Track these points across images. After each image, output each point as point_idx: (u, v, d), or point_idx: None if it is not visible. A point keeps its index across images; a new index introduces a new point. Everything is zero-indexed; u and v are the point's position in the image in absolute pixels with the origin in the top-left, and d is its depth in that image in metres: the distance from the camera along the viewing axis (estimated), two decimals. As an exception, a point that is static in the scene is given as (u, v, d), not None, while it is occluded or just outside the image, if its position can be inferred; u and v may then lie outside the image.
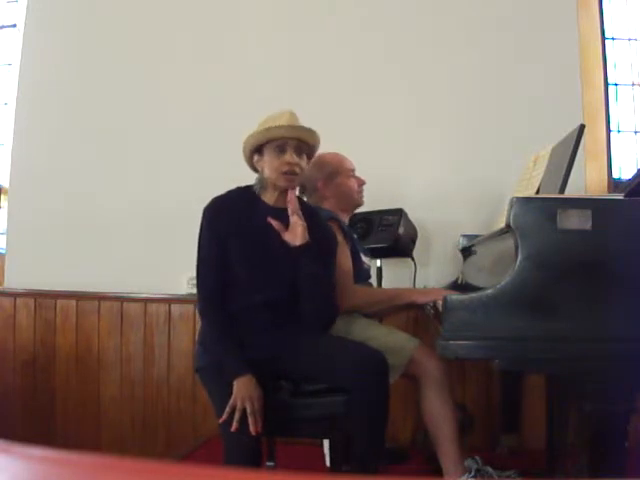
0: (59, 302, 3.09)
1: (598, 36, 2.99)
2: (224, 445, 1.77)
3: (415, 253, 2.72)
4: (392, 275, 2.78)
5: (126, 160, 3.13)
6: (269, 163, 1.87)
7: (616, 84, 3.03)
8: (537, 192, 1.93)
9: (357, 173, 2.34)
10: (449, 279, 2.69)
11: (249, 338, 1.84)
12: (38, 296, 3.10)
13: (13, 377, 3.09)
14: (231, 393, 1.71)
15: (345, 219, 2.31)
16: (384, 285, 2.72)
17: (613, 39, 3.04)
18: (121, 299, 3.05)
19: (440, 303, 1.56)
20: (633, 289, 1.44)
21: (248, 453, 1.72)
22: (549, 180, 1.89)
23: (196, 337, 2.05)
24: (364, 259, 2.28)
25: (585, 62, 2.94)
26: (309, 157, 1.94)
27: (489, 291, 1.45)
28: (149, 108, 3.13)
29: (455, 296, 1.49)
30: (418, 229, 2.76)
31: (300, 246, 1.82)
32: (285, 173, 1.85)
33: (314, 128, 1.89)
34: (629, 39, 3.06)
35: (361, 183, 2.34)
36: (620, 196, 1.57)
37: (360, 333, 2.05)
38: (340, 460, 1.94)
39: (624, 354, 1.42)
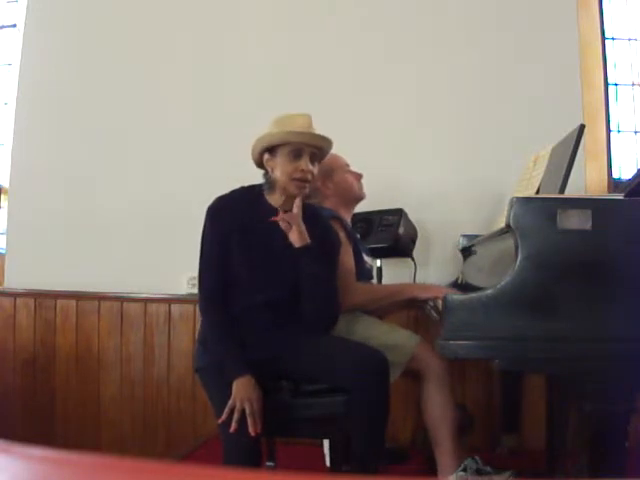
0: (59, 302, 3.09)
1: (598, 36, 2.99)
2: (223, 445, 1.76)
3: (415, 253, 2.72)
4: (392, 275, 2.78)
5: (126, 160, 3.12)
6: (281, 166, 1.85)
7: (616, 84, 3.03)
8: (537, 192, 1.93)
9: (357, 173, 2.34)
10: (449, 279, 2.69)
11: (250, 338, 1.84)
12: (38, 296, 3.10)
13: (13, 377, 3.09)
14: (230, 393, 1.71)
15: (348, 216, 2.31)
16: (384, 285, 2.72)
17: (613, 39, 3.04)
18: (121, 299, 3.05)
19: (440, 303, 1.57)
20: (633, 289, 1.44)
21: (247, 454, 1.72)
22: (549, 180, 1.89)
23: (196, 337, 2.05)
24: (366, 259, 2.29)
25: (585, 62, 2.94)
26: (319, 163, 1.93)
27: (489, 291, 1.45)
28: (149, 108, 3.12)
29: (455, 296, 1.49)
30: (418, 229, 2.76)
31: (300, 247, 1.82)
32: (297, 180, 1.84)
33: (314, 128, 1.89)
34: (629, 39, 3.06)
35: (359, 177, 2.34)
36: (620, 196, 1.57)
37: (362, 331, 2.05)
38: (340, 460, 1.94)
39: (624, 354, 1.42)
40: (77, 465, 0.47)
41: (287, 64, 3.05)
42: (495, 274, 1.81)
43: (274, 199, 1.91)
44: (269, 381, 1.80)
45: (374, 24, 3.03)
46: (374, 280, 2.53)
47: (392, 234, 2.60)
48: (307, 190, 1.88)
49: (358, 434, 1.74)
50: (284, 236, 1.83)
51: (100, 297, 3.05)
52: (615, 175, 2.97)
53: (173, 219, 3.03)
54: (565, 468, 2.08)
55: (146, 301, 3.03)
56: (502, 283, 1.45)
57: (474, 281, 2.26)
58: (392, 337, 2.05)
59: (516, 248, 1.47)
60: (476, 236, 2.50)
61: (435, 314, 1.83)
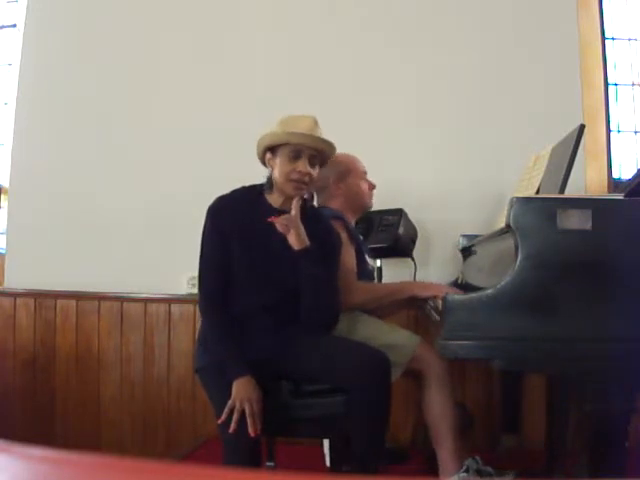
0: (59, 302, 3.09)
1: (598, 36, 2.99)
2: (223, 446, 1.76)
3: (415, 253, 2.72)
4: (392, 275, 2.78)
5: (126, 160, 3.12)
6: (280, 166, 1.85)
7: (616, 84, 3.03)
8: (537, 192, 1.93)
9: (372, 183, 2.35)
10: (449, 279, 2.69)
11: (250, 338, 1.84)
12: (38, 296, 3.10)
13: (13, 377, 3.09)
14: (230, 394, 1.71)
15: (351, 221, 2.31)
16: (384, 285, 2.72)
17: (613, 39, 3.04)
18: (121, 299, 3.04)
19: (440, 303, 1.57)
20: (633, 289, 1.44)
21: (247, 454, 1.72)
22: (549, 180, 1.89)
23: (196, 337, 2.05)
24: (368, 260, 2.29)
25: (585, 62, 2.94)
26: (320, 167, 1.92)
27: (489, 291, 1.45)
28: (149, 108, 3.12)
29: (455, 296, 1.49)
30: (418, 229, 2.76)
31: (300, 250, 1.82)
32: (294, 181, 1.84)
33: (320, 131, 1.89)
34: (629, 39, 3.06)
35: (372, 187, 2.34)
36: (620, 196, 1.57)
37: (363, 331, 2.05)
38: (340, 460, 1.94)
39: (624, 354, 1.42)
40: (77, 465, 0.47)
41: (287, 64, 3.05)
42: (495, 274, 1.81)
43: (273, 199, 1.91)
44: (269, 381, 1.80)
45: (374, 24, 3.03)
46: (375, 281, 2.53)
47: (392, 234, 2.60)
48: (304, 192, 1.88)
49: (359, 434, 1.74)
50: (284, 236, 1.83)
51: (100, 297, 3.05)
52: (615, 175, 2.97)
53: (173, 219, 3.03)
54: (565, 468, 2.08)
55: (146, 301, 3.03)
56: (502, 283, 1.45)
57: (474, 281, 2.26)
58: (393, 337, 2.06)
59: (516, 248, 1.47)
60: (476, 236, 2.50)
61: (435, 314, 1.83)
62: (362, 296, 2.11)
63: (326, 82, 2.99)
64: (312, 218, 1.89)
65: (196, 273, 1.90)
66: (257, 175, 1.94)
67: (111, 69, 3.16)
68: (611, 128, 2.99)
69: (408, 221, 2.70)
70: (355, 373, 1.72)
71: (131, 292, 3.04)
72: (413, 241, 2.73)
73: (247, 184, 1.96)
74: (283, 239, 1.83)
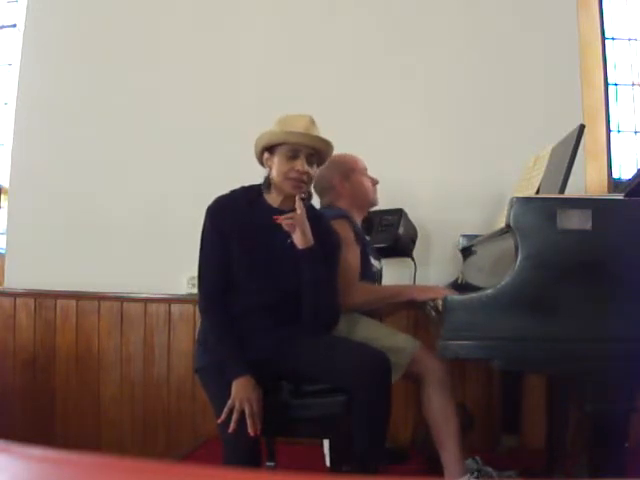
0: (59, 302, 3.09)
1: (598, 36, 2.99)
2: (223, 446, 1.76)
3: (415, 253, 2.72)
4: (392, 275, 2.78)
5: (126, 160, 3.12)
6: (278, 165, 1.85)
7: (616, 84, 3.03)
8: (537, 192, 1.93)
9: (374, 178, 2.35)
10: (449, 279, 2.69)
11: (250, 338, 1.84)
12: (38, 296, 3.10)
13: (13, 377, 3.09)
14: (230, 394, 1.71)
15: (358, 220, 2.31)
16: (384, 285, 2.71)
17: (613, 39, 3.04)
18: (121, 299, 3.04)
19: (440, 303, 1.57)
20: (633, 289, 1.44)
21: (247, 454, 1.72)
22: (549, 180, 1.89)
23: (196, 337, 2.05)
24: (373, 262, 2.28)
25: (585, 62, 2.94)
26: (318, 166, 1.92)
27: (489, 291, 1.45)
28: (149, 108, 3.12)
29: (455, 296, 1.49)
30: (418, 229, 2.76)
31: (304, 249, 1.82)
32: (291, 179, 1.84)
33: (317, 130, 1.89)
34: (629, 39, 3.06)
35: (375, 182, 2.35)
36: (620, 196, 1.57)
37: (362, 333, 2.05)
38: (340, 460, 1.94)
39: (624, 354, 1.42)
40: (77, 465, 0.47)
41: (287, 63, 3.05)
42: (495, 274, 1.82)
43: (272, 199, 1.91)
44: (269, 381, 1.80)
45: (374, 24, 3.03)
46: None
47: (392, 234, 2.60)
48: (302, 191, 1.88)
49: (359, 434, 1.74)
50: (284, 236, 1.83)
51: (100, 297, 3.05)
52: (615, 175, 2.97)
53: (173, 219, 3.03)
54: (565, 468, 2.08)
55: (146, 301, 3.03)
56: (502, 283, 1.45)
57: (474, 281, 2.26)
58: (392, 340, 2.05)
59: (516, 248, 1.47)
60: (476, 236, 2.50)
61: (435, 314, 1.83)
62: (362, 297, 2.11)
63: (326, 82, 2.99)
64: (312, 218, 1.89)
65: (196, 273, 1.90)
66: (256, 175, 1.95)
67: (111, 69, 3.16)
68: (611, 128, 2.99)
69: (408, 221, 2.70)
70: (355, 373, 1.72)
71: (131, 292, 3.04)
72: (413, 241, 2.73)
73: (246, 184, 1.96)
74: (283, 239, 1.83)
